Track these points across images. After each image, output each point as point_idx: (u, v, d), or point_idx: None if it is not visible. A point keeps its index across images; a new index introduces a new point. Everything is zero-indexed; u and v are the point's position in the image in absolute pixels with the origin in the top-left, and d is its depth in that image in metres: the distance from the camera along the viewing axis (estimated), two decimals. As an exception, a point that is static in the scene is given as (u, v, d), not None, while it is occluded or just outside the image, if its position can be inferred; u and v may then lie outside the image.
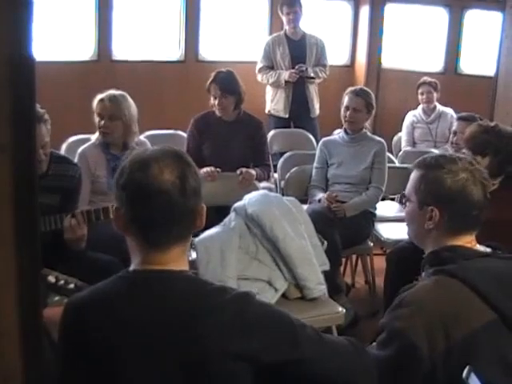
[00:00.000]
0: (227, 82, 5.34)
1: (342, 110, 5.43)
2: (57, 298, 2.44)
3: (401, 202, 2.62)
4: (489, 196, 2.42)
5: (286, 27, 7.46)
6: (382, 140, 5.52)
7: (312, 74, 7.30)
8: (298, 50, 7.38)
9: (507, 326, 2.17)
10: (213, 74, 5.37)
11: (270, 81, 7.31)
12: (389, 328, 2.19)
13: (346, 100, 5.42)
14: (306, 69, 7.22)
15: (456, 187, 2.36)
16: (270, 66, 7.36)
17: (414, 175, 2.50)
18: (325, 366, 1.92)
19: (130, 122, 4.65)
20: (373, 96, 5.54)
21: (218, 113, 5.38)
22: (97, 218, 3.64)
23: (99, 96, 4.65)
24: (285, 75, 7.20)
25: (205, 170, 5.06)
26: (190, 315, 1.82)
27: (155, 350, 1.80)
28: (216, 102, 5.33)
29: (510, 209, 3.49)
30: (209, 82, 5.36)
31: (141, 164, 1.90)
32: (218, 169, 5.08)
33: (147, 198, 1.88)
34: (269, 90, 7.48)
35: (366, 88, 5.63)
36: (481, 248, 2.42)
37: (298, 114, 7.36)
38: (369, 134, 5.56)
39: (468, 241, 2.40)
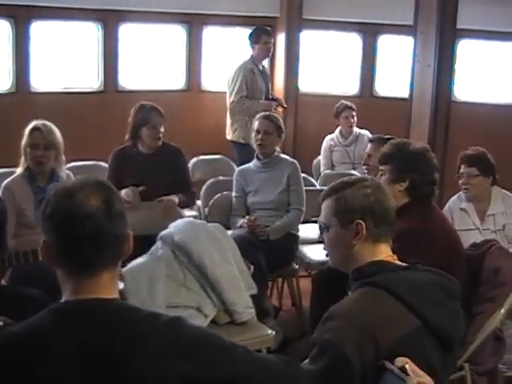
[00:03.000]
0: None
1: (253, 134, 5.55)
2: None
3: (321, 234, 2.66)
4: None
5: (261, 56, 7.63)
6: (295, 160, 5.63)
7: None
8: (265, 80, 7.62)
9: (430, 332, 2.27)
10: (142, 105, 5.35)
11: (253, 109, 7.21)
12: (319, 341, 2.24)
13: (256, 124, 5.55)
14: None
15: (373, 196, 2.52)
16: (247, 95, 7.42)
17: (327, 203, 2.60)
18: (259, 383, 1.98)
19: (60, 151, 4.67)
20: (281, 121, 5.70)
21: (154, 143, 5.30)
22: (25, 260, 3.62)
23: (31, 126, 4.65)
24: (263, 105, 7.31)
25: (124, 191, 4.99)
26: (125, 342, 1.84)
27: (92, 381, 1.81)
28: (158, 129, 5.26)
29: (422, 220, 3.63)
30: (147, 111, 5.29)
31: (66, 192, 1.94)
32: (140, 188, 5.06)
33: (75, 223, 1.90)
34: (238, 119, 7.48)
35: (274, 114, 5.74)
36: (402, 263, 2.52)
37: None
38: (281, 155, 5.65)
39: (388, 255, 2.52)
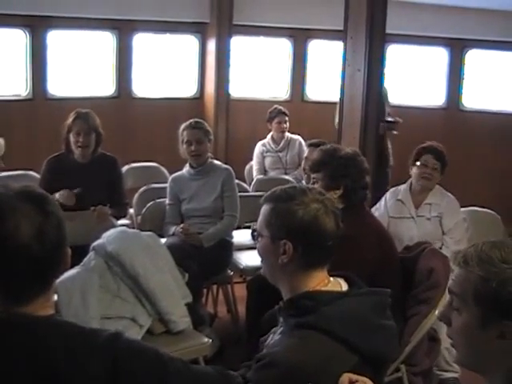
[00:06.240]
0: (91, 119, 5.20)
1: (185, 146, 5.38)
2: None
3: (253, 237, 2.52)
4: (341, 224, 2.40)
5: None
6: (229, 167, 5.57)
7: None
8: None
9: (368, 362, 2.22)
10: (74, 112, 5.20)
11: None
12: None
13: (185, 135, 5.38)
14: None
15: (308, 218, 2.32)
16: None
17: (264, 209, 2.43)
18: None
19: None
20: (207, 124, 5.61)
21: (78, 152, 5.16)
22: None
23: None
24: None
25: (58, 194, 4.88)
26: (63, 362, 1.78)
27: None
28: (80, 138, 5.11)
29: (354, 230, 3.63)
30: (71, 119, 5.15)
31: None
32: (76, 189, 4.97)
33: (4, 253, 1.79)
34: None
35: (198, 119, 5.64)
36: (335, 283, 2.41)
37: None
38: (214, 162, 5.58)
39: (322, 278, 2.38)
